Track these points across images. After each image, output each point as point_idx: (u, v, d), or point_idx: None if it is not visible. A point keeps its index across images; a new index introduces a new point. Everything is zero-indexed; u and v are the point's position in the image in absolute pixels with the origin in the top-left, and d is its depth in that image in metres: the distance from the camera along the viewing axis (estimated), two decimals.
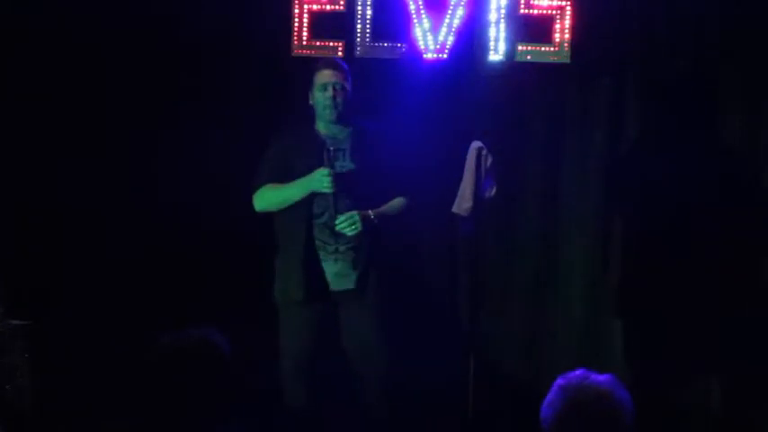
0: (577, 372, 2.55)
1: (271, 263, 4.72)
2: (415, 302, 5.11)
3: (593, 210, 5.30)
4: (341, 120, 4.57)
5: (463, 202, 4.81)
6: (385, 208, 4.60)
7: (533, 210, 5.35)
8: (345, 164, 4.58)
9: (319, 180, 4.49)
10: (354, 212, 4.49)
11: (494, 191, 4.83)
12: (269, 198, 4.63)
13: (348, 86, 4.59)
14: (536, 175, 5.34)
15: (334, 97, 4.54)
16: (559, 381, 2.55)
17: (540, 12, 5.16)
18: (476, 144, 4.82)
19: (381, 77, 5.06)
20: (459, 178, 4.83)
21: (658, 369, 5.14)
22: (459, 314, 5.25)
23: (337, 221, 4.48)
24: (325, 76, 4.58)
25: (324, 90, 4.56)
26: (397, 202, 4.65)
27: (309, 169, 4.53)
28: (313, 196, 4.54)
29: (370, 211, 4.52)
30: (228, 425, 2.68)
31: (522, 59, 5.18)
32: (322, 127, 4.63)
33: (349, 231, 4.48)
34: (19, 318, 4.55)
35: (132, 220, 5.11)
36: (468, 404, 4.75)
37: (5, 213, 5.01)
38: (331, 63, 4.65)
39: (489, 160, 4.80)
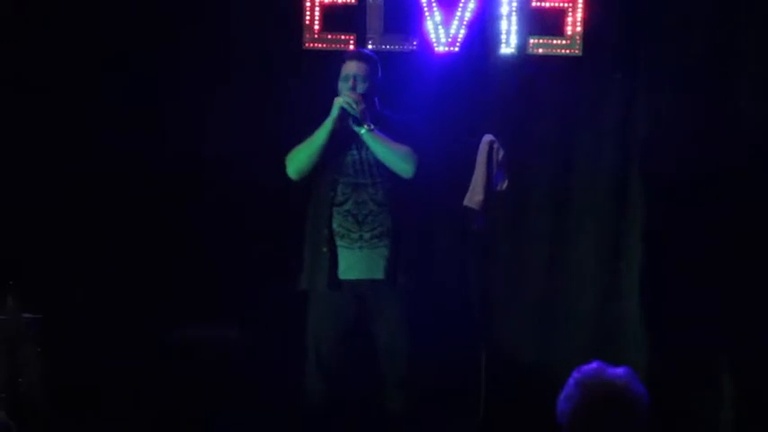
0: (593, 365, 2.54)
1: (283, 254, 4.76)
2: (426, 295, 5.10)
3: (605, 202, 5.29)
4: (363, 113, 4.48)
5: (474, 196, 4.80)
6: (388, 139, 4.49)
7: (545, 202, 5.34)
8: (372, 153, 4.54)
9: (337, 105, 4.44)
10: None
11: (505, 184, 4.81)
12: (297, 155, 4.55)
13: (372, 79, 4.55)
14: (548, 168, 5.33)
15: (353, 88, 4.51)
16: (575, 374, 2.54)
17: (552, 4, 5.18)
18: (487, 137, 4.81)
19: (393, 71, 5.05)
20: (471, 171, 4.82)
21: (673, 360, 5.13)
22: (470, 307, 5.25)
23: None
24: (347, 67, 4.56)
25: (345, 81, 4.55)
26: (402, 147, 4.51)
27: (337, 155, 4.52)
28: (336, 184, 4.51)
29: (371, 125, 4.45)
30: (238, 419, 2.70)
31: (534, 52, 5.19)
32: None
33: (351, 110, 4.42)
34: (31, 311, 4.56)
35: (145, 214, 5.10)
36: (481, 398, 4.75)
37: (20, 204, 5.00)
38: (355, 55, 4.63)
39: (501, 153, 4.78)
